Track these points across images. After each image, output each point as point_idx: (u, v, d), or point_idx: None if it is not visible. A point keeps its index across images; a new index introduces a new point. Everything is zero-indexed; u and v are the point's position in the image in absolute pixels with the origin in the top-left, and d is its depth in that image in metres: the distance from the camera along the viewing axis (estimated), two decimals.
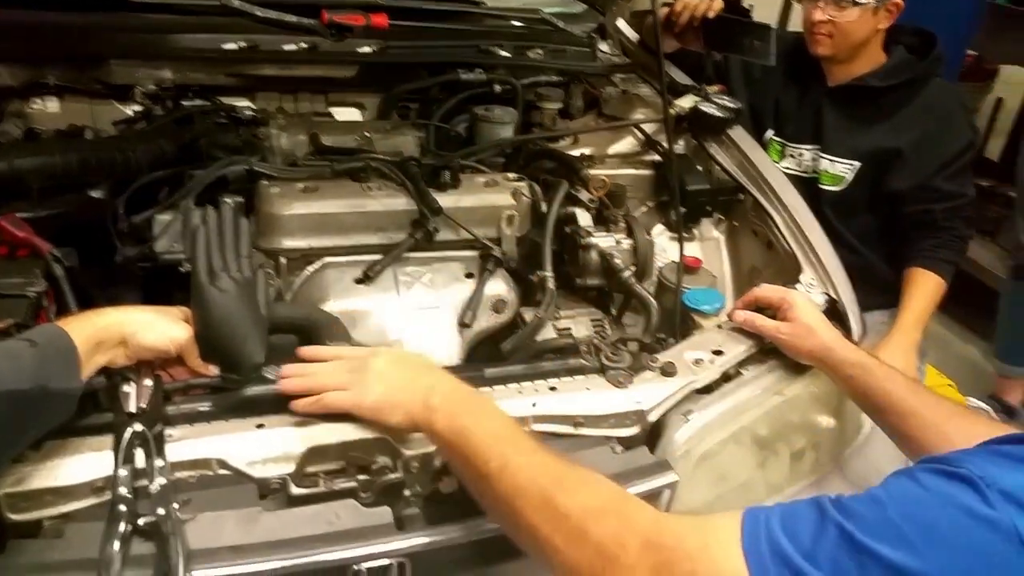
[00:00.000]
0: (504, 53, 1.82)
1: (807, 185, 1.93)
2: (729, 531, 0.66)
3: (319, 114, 1.75)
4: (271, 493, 0.90)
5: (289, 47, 1.64)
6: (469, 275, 1.35)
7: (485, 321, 1.32)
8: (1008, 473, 0.58)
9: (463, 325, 1.29)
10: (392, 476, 0.94)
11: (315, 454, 0.93)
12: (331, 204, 1.31)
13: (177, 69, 1.56)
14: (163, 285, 1.23)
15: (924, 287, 1.86)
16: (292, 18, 1.68)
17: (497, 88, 1.72)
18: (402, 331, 1.26)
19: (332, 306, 1.24)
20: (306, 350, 1.00)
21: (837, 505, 0.64)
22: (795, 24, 2.36)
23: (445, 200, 1.34)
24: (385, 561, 0.88)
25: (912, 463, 1.30)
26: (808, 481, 1.22)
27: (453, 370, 1.08)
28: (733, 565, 0.64)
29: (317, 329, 1.11)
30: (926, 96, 1.92)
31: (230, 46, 1.60)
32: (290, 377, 0.95)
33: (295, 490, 0.90)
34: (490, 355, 1.30)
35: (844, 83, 1.97)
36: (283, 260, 1.29)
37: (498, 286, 1.34)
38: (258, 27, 1.60)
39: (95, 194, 1.29)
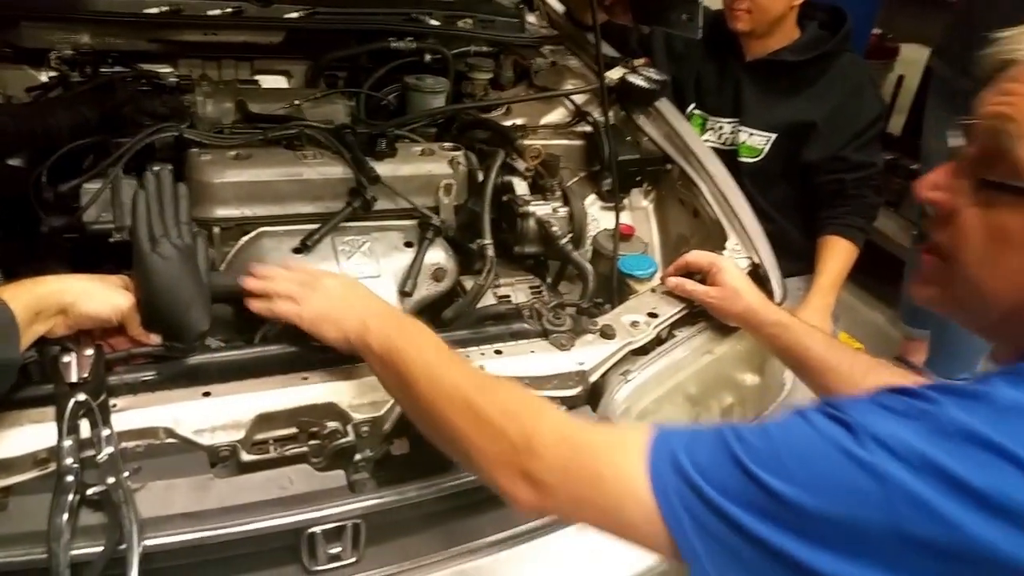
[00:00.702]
0: (434, 22, 1.81)
1: (727, 157, 1.99)
2: (638, 441, 0.71)
3: (244, 81, 1.71)
4: (221, 461, 0.90)
5: (214, 12, 1.60)
6: (408, 244, 1.35)
7: (425, 289, 1.33)
8: (882, 422, 0.62)
9: (404, 294, 1.30)
10: (343, 440, 0.95)
11: (264, 421, 0.93)
12: (265, 172, 1.29)
13: (96, 33, 1.50)
14: (90, 255, 1.19)
15: (837, 253, 1.95)
16: None
17: (428, 57, 1.71)
18: None
19: None
20: (260, 268, 1.06)
21: (735, 433, 0.69)
22: (710, 0, 2.44)
23: (382, 169, 1.33)
24: (340, 523, 0.89)
25: None
26: None
27: None
28: (634, 469, 0.69)
29: None
30: (837, 70, 2.01)
31: (152, 10, 1.55)
32: (253, 277, 1.03)
33: (246, 457, 0.90)
34: (431, 323, 1.31)
35: (761, 58, 2.04)
36: (216, 230, 1.26)
37: (437, 255, 1.35)
38: None
39: (13, 163, 1.24)
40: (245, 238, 1.28)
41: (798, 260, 1.99)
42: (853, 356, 1.09)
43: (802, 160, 2.01)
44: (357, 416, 0.96)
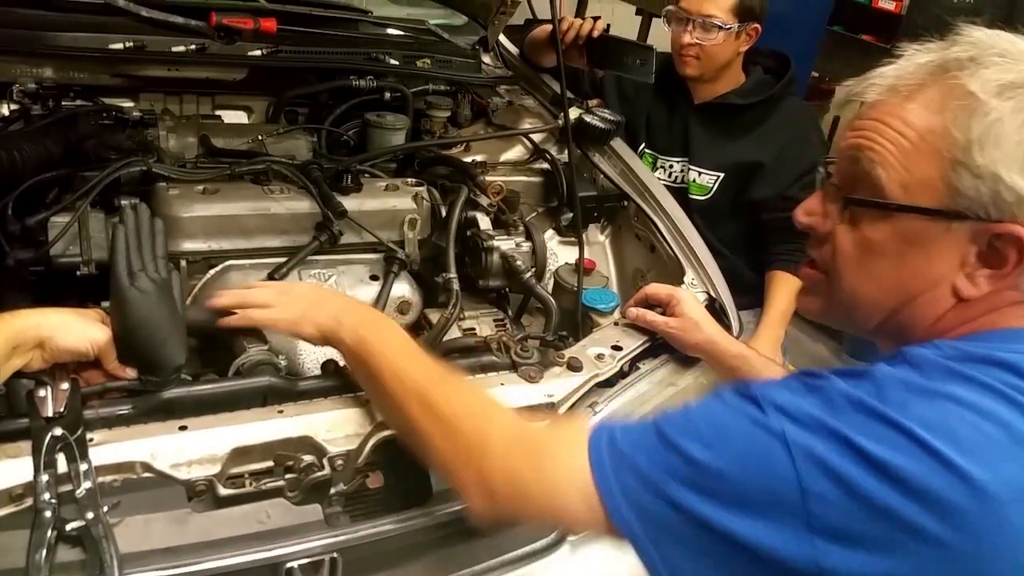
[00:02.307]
0: (393, 61, 1.85)
1: (677, 195, 2.06)
2: (576, 432, 0.79)
3: (206, 116, 1.71)
4: (198, 495, 0.90)
5: (178, 48, 1.61)
6: (374, 277, 1.37)
7: None
8: (783, 394, 0.71)
9: None
10: (319, 474, 0.96)
11: (240, 455, 0.93)
12: (232, 206, 1.30)
13: (59, 67, 1.49)
14: (54, 289, 1.18)
15: (784, 287, 2.03)
16: (179, 19, 1.65)
17: (387, 95, 1.75)
18: None
19: None
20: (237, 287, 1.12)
21: (661, 413, 0.78)
22: (651, 41, 2.53)
23: (347, 204, 1.36)
24: (317, 557, 0.90)
25: None
26: None
27: None
28: (577, 458, 0.76)
29: (235, 333, 1.11)
30: (782, 113, 2.10)
31: (116, 46, 1.55)
32: (224, 295, 1.07)
33: (223, 491, 0.90)
34: None
35: (709, 101, 2.13)
36: (183, 263, 1.27)
37: (403, 288, 1.37)
38: (145, 28, 1.56)
39: None
40: (212, 271, 1.29)
41: (747, 294, 2.06)
42: None
43: (750, 198, 2.10)
44: (332, 449, 0.97)
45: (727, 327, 1.36)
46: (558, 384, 1.14)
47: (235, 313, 1.05)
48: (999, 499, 0.61)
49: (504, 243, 1.42)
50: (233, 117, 1.77)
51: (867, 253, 0.77)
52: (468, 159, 1.68)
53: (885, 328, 0.80)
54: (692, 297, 1.31)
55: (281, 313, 1.03)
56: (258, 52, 1.70)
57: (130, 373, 0.94)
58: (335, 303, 1.04)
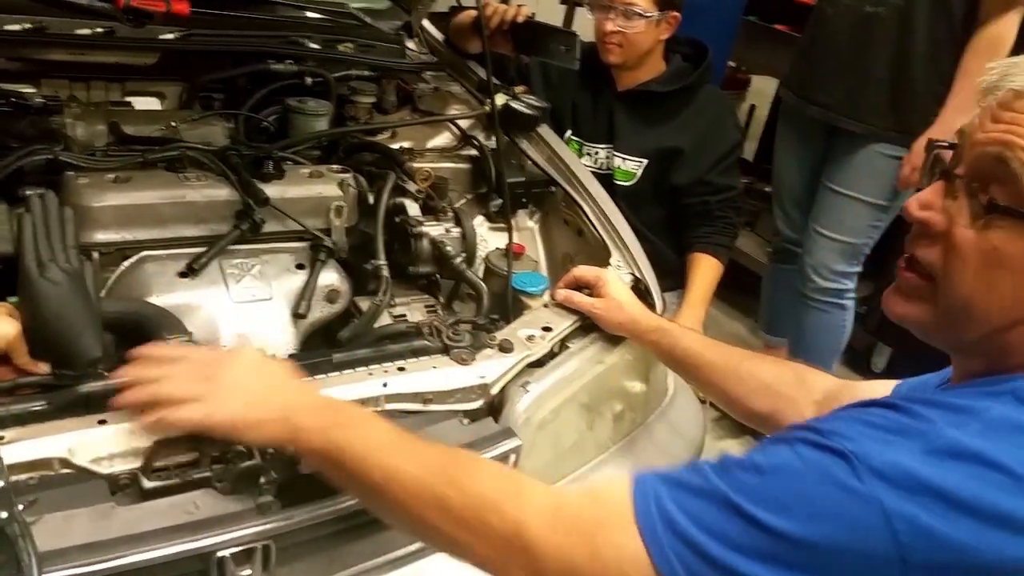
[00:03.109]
0: (313, 45, 1.81)
1: (602, 180, 2.09)
2: (621, 505, 0.70)
3: (116, 103, 1.64)
4: (121, 489, 0.86)
5: (83, 31, 1.53)
6: (300, 266, 1.34)
7: (319, 311, 1.32)
8: (873, 446, 0.63)
9: (297, 316, 1.29)
10: (248, 463, 0.93)
11: (164, 447, 0.90)
12: (147, 195, 1.25)
13: None
14: None
15: (705, 269, 2.09)
16: (83, 0, 1.57)
17: (308, 80, 1.71)
18: (234, 324, 1.23)
19: (156, 302, 1.19)
20: (147, 349, 0.91)
21: (722, 473, 0.68)
22: (578, 27, 2.55)
23: (270, 191, 1.32)
24: (249, 545, 0.88)
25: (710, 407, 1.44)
26: (628, 438, 1.35)
27: (299, 357, 1.09)
28: (630, 539, 0.68)
29: (151, 324, 1.07)
30: (700, 101, 2.16)
31: (13, 27, 1.47)
32: (130, 384, 0.86)
33: (147, 484, 0.87)
34: (326, 345, 1.31)
35: (631, 88, 2.17)
36: (96, 255, 1.21)
37: (331, 276, 1.34)
38: (46, 8, 1.48)
39: None
40: (127, 263, 1.24)
41: (670, 276, 2.11)
42: (727, 349, 1.19)
43: (671, 183, 2.15)
44: None
45: (651, 306, 1.39)
46: (490, 365, 1.14)
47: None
48: None
49: (434, 229, 1.41)
50: (145, 104, 1.70)
51: (992, 264, 0.67)
52: (394, 146, 1.66)
53: (983, 346, 0.72)
54: (617, 278, 1.34)
55: (212, 413, 0.84)
56: (170, 35, 1.63)
57: (43, 368, 0.90)
58: (282, 398, 0.86)
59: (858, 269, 2.38)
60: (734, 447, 2.64)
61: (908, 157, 2.15)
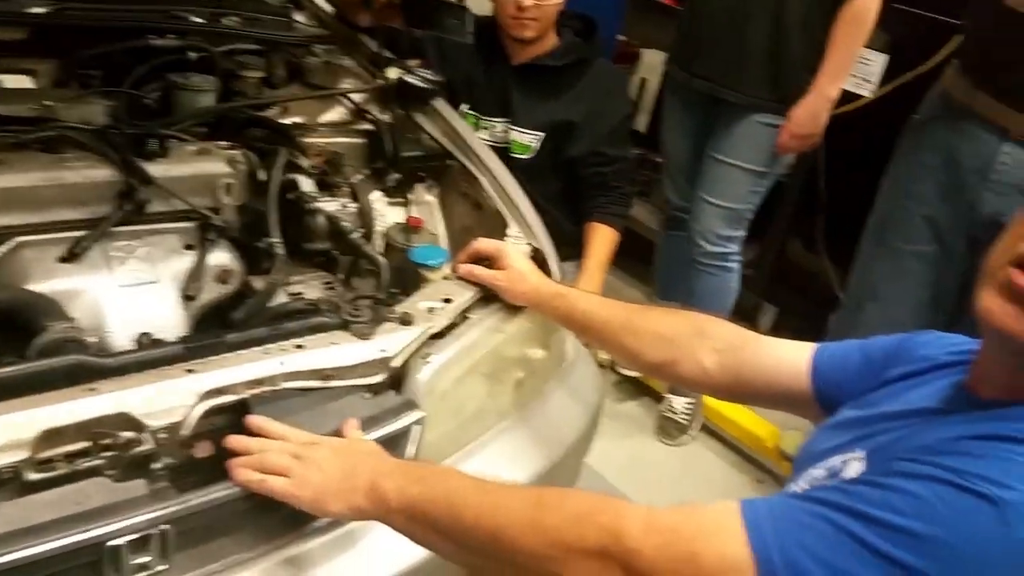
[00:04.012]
0: (196, 19, 1.74)
1: (500, 154, 2.10)
2: (730, 521, 0.70)
3: None
4: (3, 484, 0.83)
5: None
6: (189, 247, 1.30)
7: (211, 292, 1.29)
8: (1019, 485, 0.63)
9: (187, 298, 1.26)
10: (140, 449, 0.91)
11: (50, 437, 0.87)
12: (21, 178, 1.19)
13: None
14: None
15: (602, 238, 2.15)
16: None
17: (192, 55, 1.65)
18: (119, 309, 1.19)
19: (36, 289, 1.14)
20: (255, 421, 0.97)
21: (846, 512, 0.66)
22: (474, 3, 2.55)
23: (154, 170, 1.28)
24: (145, 532, 0.86)
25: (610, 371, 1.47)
26: (528, 404, 1.38)
27: (191, 339, 1.07)
28: (738, 551, 0.68)
29: (28, 311, 1.02)
30: (593, 74, 2.20)
31: None
32: (242, 453, 0.94)
33: (32, 476, 0.84)
34: (221, 327, 1.27)
35: (526, 62, 2.18)
36: None
37: (221, 256, 1.31)
38: None
39: None
40: (3, 248, 1.17)
41: (569, 246, 2.15)
42: (623, 306, 1.23)
43: (566, 156, 2.19)
44: (153, 423, 0.93)
45: (549, 275, 1.42)
46: (391, 339, 1.14)
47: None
48: None
49: (329, 205, 1.39)
50: (15, 82, 1.60)
51: None
52: (286, 121, 1.62)
53: None
54: (517, 250, 1.36)
55: (299, 487, 0.90)
56: (41, 9, 1.54)
57: None
58: (362, 470, 0.91)
59: (742, 233, 2.49)
60: (634, 408, 2.74)
61: (786, 125, 2.25)
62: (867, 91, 2.58)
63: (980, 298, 0.75)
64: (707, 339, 1.15)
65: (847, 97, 2.42)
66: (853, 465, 0.81)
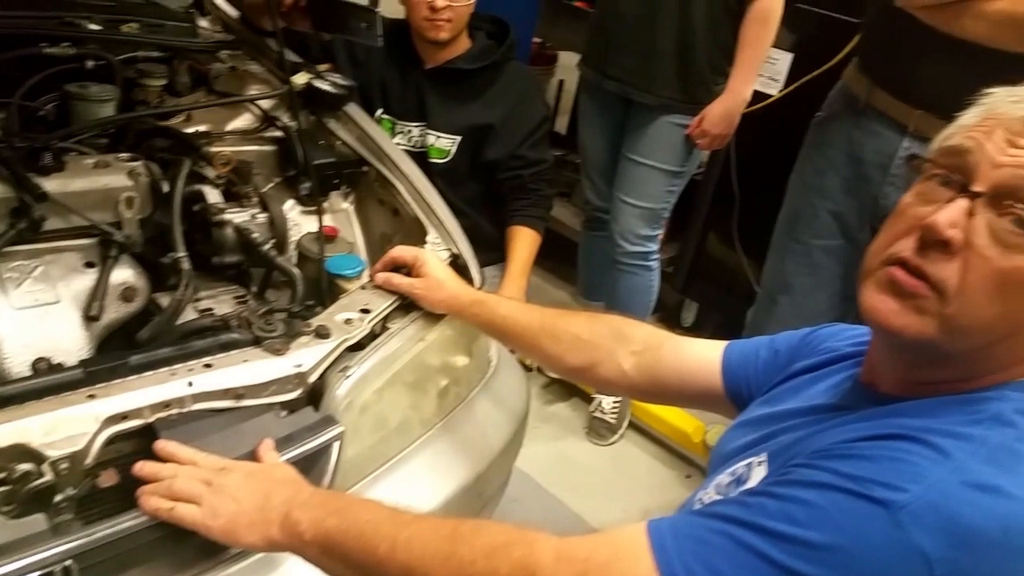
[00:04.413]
0: (93, 27, 1.67)
1: (418, 158, 2.08)
2: (637, 545, 0.70)
3: None
4: None
5: None
6: (90, 264, 1.24)
7: (115, 311, 1.23)
8: (911, 491, 0.64)
9: (90, 318, 1.20)
10: (39, 482, 0.86)
11: None
12: None
13: None
14: None
15: (524, 241, 2.15)
16: None
17: (90, 64, 1.58)
18: (17, 332, 1.13)
19: None
20: (163, 446, 0.94)
21: (746, 526, 0.68)
22: (387, 7, 2.52)
23: (49, 185, 1.21)
24: (46, 570, 0.81)
25: (537, 373, 1.47)
26: (452, 413, 1.37)
27: (93, 362, 1.02)
28: (646, 574, 0.68)
29: None
30: (507, 77, 2.20)
31: None
32: (150, 481, 0.91)
33: None
34: (127, 347, 1.22)
35: (439, 66, 2.17)
36: None
37: (125, 273, 1.25)
38: None
39: None
40: None
41: (491, 251, 2.16)
42: (542, 311, 1.23)
43: (485, 159, 2.18)
44: (53, 453, 0.88)
45: (470, 281, 1.41)
46: (306, 353, 1.11)
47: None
48: None
49: (237, 216, 1.35)
50: None
51: (1010, 284, 0.69)
52: (190, 130, 1.56)
53: (965, 356, 0.73)
54: (435, 257, 1.34)
55: (210, 517, 0.87)
56: None
57: None
58: (276, 500, 0.88)
59: (660, 232, 2.54)
60: (563, 410, 2.75)
61: (701, 126, 2.30)
62: (775, 89, 2.65)
63: (861, 296, 0.77)
64: (625, 342, 1.16)
65: (756, 96, 2.49)
66: (757, 471, 0.83)
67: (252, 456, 0.97)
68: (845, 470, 0.67)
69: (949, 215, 0.71)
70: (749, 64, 2.26)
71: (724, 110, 2.29)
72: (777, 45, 2.43)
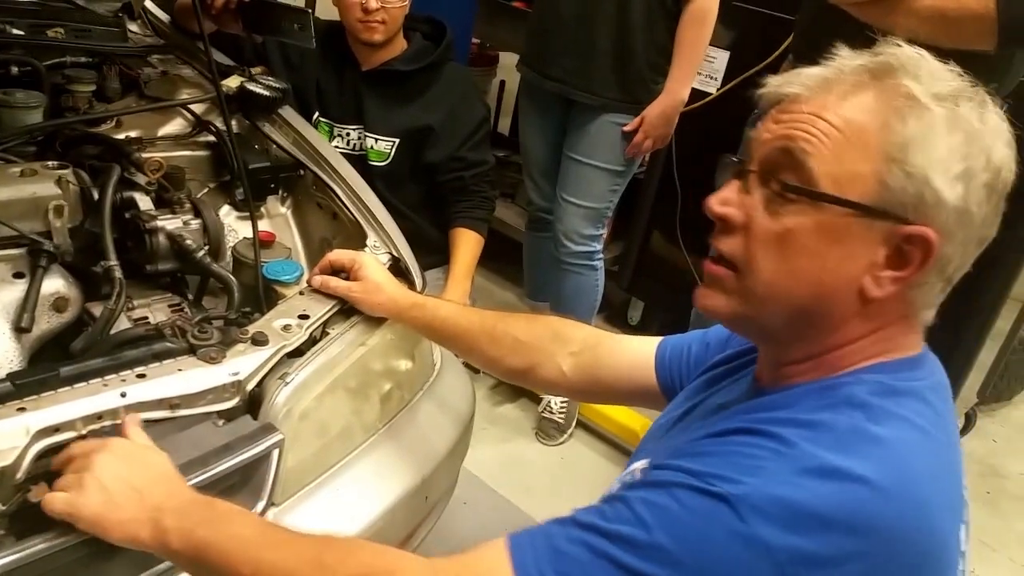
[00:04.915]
0: (17, 32, 1.63)
1: (357, 161, 2.08)
2: (499, 560, 0.71)
3: None
4: None
5: None
6: (19, 275, 1.21)
7: (46, 323, 1.20)
8: (751, 483, 0.66)
9: (20, 330, 1.16)
10: None
11: None
12: None
13: None
14: None
15: (466, 243, 2.16)
16: None
17: (15, 69, 1.54)
18: None
19: None
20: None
21: (603, 531, 0.69)
22: (323, 9, 2.50)
23: None
24: None
25: (484, 379, 1.46)
26: (395, 417, 1.36)
27: (22, 374, 0.99)
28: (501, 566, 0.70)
29: None
30: (445, 78, 2.20)
31: None
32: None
33: None
34: (61, 358, 1.19)
35: (376, 68, 2.16)
36: None
37: (56, 283, 1.22)
38: None
39: None
40: None
41: (434, 253, 2.16)
42: (481, 313, 1.24)
43: (425, 161, 2.18)
44: None
45: (411, 285, 1.41)
46: (243, 361, 1.10)
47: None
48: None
49: (170, 223, 1.32)
50: None
51: (786, 244, 0.73)
52: (121, 136, 1.54)
53: (792, 328, 0.77)
54: (374, 260, 1.34)
55: (77, 506, 0.84)
56: None
57: None
58: (149, 501, 0.85)
59: (604, 232, 2.56)
60: (511, 411, 2.75)
61: (642, 128, 2.33)
62: (713, 88, 2.70)
63: None
64: (564, 343, 1.17)
65: (695, 94, 2.53)
66: (638, 477, 0.84)
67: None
68: (688, 466, 0.70)
69: (720, 195, 0.78)
70: (687, 65, 2.30)
71: (662, 111, 2.32)
72: (714, 43, 2.47)
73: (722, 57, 2.68)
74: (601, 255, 2.59)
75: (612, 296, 2.95)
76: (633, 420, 2.62)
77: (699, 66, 2.42)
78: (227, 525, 0.82)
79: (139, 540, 0.84)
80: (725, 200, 0.78)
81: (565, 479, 2.53)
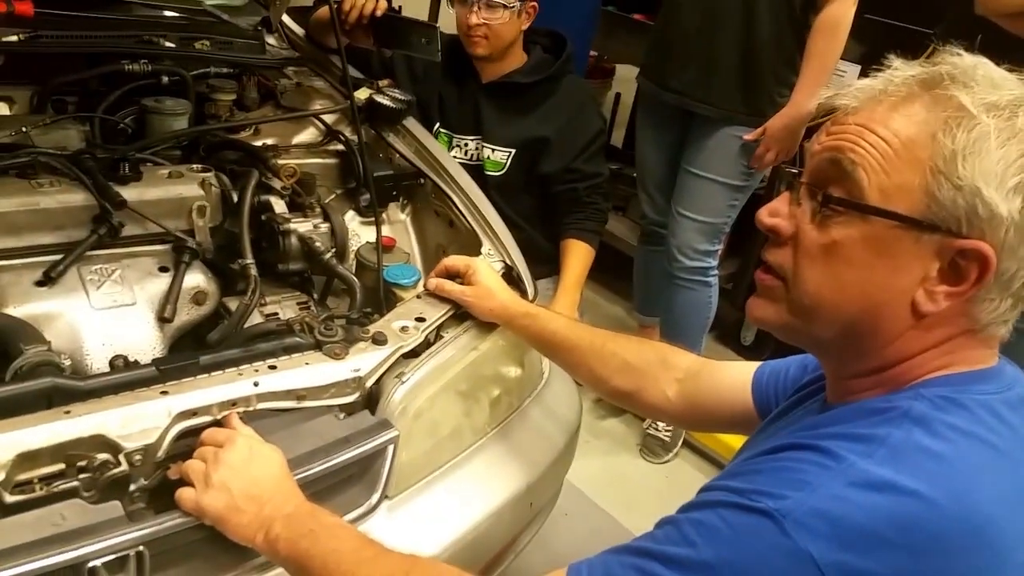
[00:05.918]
0: (168, 44, 1.76)
1: (474, 171, 2.13)
2: None
3: None
4: None
5: None
6: (164, 269, 1.31)
7: (186, 314, 1.30)
8: (796, 498, 0.66)
9: (163, 320, 1.26)
10: (116, 471, 0.92)
11: (26, 460, 0.88)
12: None
13: None
14: None
15: (577, 254, 2.17)
16: None
17: (165, 79, 1.67)
18: (96, 331, 1.20)
19: (13, 312, 1.15)
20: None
21: (652, 556, 0.70)
22: (443, 22, 2.58)
23: (128, 193, 1.29)
24: (121, 553, 0.87)
25: (589, 391, 1.49)
26: (504, 422, 1.39)
27: (165, 361, 1.08)
28: None
29: (9, 336, 1.04)
30: (563, 90, 2.23)
31: None
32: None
33: (8, 498, 0.85)
34: (197, 348, 1.29)
35: (495, 80, 2.21)
36: None
37: (196, 278, 1.32)
38: None
39: None
40: None
41: (545, 263, 2.19)
42: (592, 331, 1.25)
43: (540, 172, 2.21)
44: (128, 445, 0.94)
45: (523, 293, 1.44)
46: (364, 359, 1.15)
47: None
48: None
49: (302, 225, 1.41)
50: None
51: (834, 256, 0.73)
52: (258, 143, 1.64)
53: (844, 341, 0.76)
54: (488, 266, 1.37)
55: (202, 503, 0.91)
56: (14, 37, 1.55)
57: None
58: (266, 508, 0.91)
59: (719, 247, 2.50)
60: (616, 425, 2.73)
61: (764, 141, 2.27)
62: None
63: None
64: (671, 369, 1.18)
65: None
66: None
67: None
68: (735, 485, 0.71)
69: (770, 206, 0.79)
70: (815, 76, 2.20)
71: (786, 123, 2.23)
72: (845, 57, 2.38)
73: (853, 71, 2.58)
74: (716, 271, 2.52)
75: (725, 315, 2.86)
76: (740, 441, 2.55)
77: (828, 79, 2.34)
78: (327, 539, 0.88)
79: (256, 544, 0.91)
80: (775, 211, 0.78)
81: (670, 498, 2.46)
